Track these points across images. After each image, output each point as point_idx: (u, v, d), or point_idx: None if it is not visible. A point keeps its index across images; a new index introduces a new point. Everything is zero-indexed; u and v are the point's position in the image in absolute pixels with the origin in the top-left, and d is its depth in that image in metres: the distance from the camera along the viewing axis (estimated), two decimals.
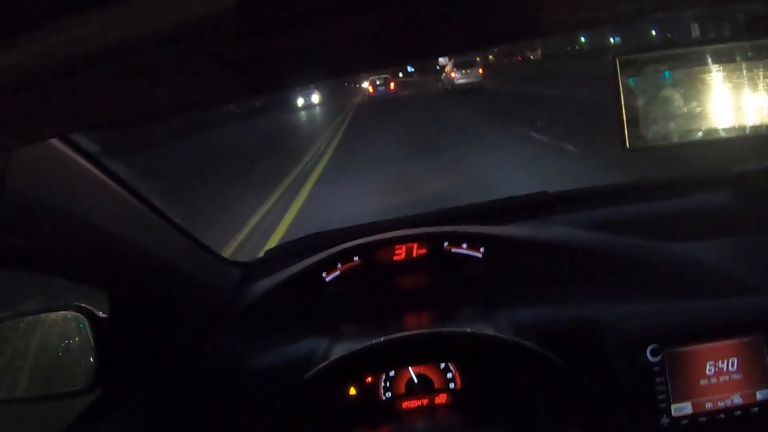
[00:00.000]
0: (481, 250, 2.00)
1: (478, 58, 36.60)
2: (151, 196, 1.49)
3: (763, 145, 1.24)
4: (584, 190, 2.40)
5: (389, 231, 2.06)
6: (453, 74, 34.90)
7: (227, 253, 7.69)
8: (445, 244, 2.02)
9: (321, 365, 1.41)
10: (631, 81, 1.01)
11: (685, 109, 1.02)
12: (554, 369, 1.37)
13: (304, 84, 0.87)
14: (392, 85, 48.01)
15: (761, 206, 1.92)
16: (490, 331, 1.65)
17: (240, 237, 9.16)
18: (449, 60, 36.32)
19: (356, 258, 2.01)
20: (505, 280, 1.99)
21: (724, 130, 1.05)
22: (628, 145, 1.01)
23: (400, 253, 2.03)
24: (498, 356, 1.49)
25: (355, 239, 2.04)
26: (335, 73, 0.78)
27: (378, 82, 47.59)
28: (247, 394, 1.69)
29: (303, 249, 2.16)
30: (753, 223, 1.92)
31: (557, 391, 1.40)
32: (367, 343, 1.46)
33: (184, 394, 1.69)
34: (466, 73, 34.24)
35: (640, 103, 1.01)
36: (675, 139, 1.03)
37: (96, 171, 1.27)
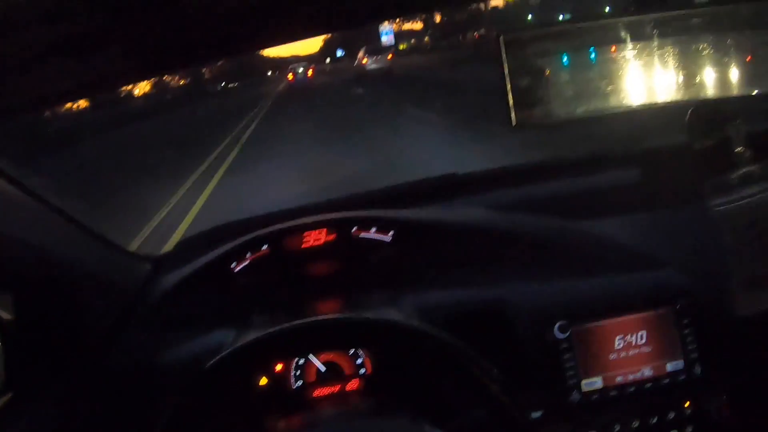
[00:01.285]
0: (390, 233, 1.99)
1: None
2: (49, 194, 1.46)
3: (673, 121, 1.27)
4: (493, 171, 2.40)
5: (299, 218, 2.04)
6: (365, 60, 37.42)
7: (136, 246, 7.62)
8: (354, 229, 2.00)
9: (221, 354, 1.40)
10: (516, 59, 1.02)
11: (571, 86, 1.04)
12: (456, 352, 1.38)
13: (210, 60, 0.85)
14: (310, 72, 50.08)
15: (669, 181, 1.96)
16: (395, 317, 1.65)
17: (148, 230, 9.05)
18: (362, 48, 39.40)
19: (265, 246, 1.98)
20: (414, 263, 1.98)
21: (610, 107, 1.07)
22: (514, 122, 1.02)
23: (309, 240, 2.00)
24: (402, 342, 1.49)
25: (264, 227, 2.01)
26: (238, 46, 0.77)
27: (298, 70, 49.13)
28: (158, 389, 1.66)
29: (213, 240, 2.11)
30: (661, 198, 1.95)
31: (460, 375, 1.41)
32: (269, 331, 1.45)
33: (96, 391, 1.66)
34: (377, 60, 37.01)
35: (526, 80, 1.03)
36: (561, 115, 1.05)
37: None
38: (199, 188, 11.99)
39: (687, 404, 1.70)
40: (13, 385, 1.48)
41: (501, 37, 1.01)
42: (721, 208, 1.19)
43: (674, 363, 1.70)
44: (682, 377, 1.70)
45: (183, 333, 1.83)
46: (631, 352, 1.69)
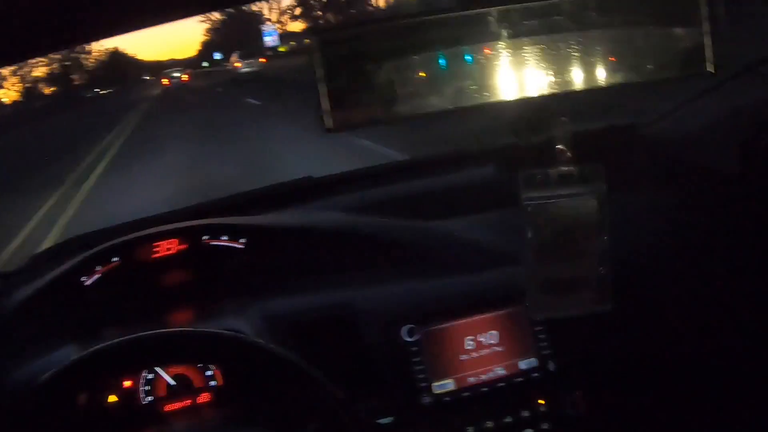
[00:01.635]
0: (242, 241, 1.95)
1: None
2: None
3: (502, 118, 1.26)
4: (348, 173, 2.40)
5: (151, 227, 1.98)
6: (237, 64, 39.36)
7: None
8: (205, 237, 1.96)
9: (55, 369, 1.32)
10: (331, 59, 0.98)
11: (388, 87, 1.01)
12: (284, 363, 1.35)
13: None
14: (185, 77, 53.20)
15: (507, 179, 1.97)
16: (242, 327, 1.62)
17: (14, 245, 8.74)
18: (234, 53, 41.94)
19: (116, 258, 1.91)
20: (266, 270, 1.95)
21: (435, 106, 1.05)
22: (332, 125, 0.99)
23: (160, 250, 1.95)
24: (242, 354, 1.45)
25: (114, 239, 1.93)
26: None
27: (173, 75, 52.30)
28: (6, 411, 1.58)
29: (65, 253, 2.03)
30: (503, 197, 1.96)
31: (300, 387, 1.37)
32: (106, 343, 1.38)
33: None
34: (250, 63, 38.56)
35: (341, 82, 0.99)
36: (380, 117, 1.02)
37: None
38: (70, 198, 11.69)
39: (542, 401, 1.71)
40: None
41: (315, 37, 0.97)
42: (531, 203, 1.19)
43: (527, 361, 1.71)
44: (536, 374, 1.71)
45: (29, 353, 1.73)
46: (482, 352, 1.69)
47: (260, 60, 40.36)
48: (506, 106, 1.09)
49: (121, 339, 1.36)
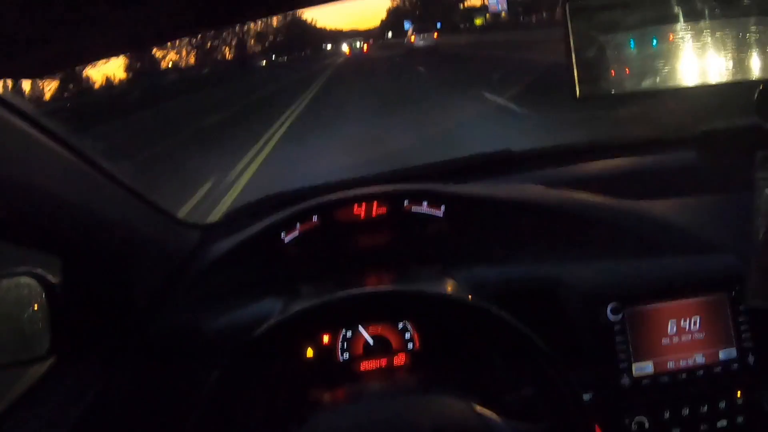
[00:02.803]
0: (442, 208, 1.96)
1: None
2: (101, 158, 1.45)
3: (730, 103, 1.21)
4: (548, 148, 2.36)
5: (350, 190, 2.02)
6: (413, 38, 42.75)
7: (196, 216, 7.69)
8: (406, 202, 1.97)
9: (270, 323, 1.37)
10: (582, 28, 0.97)
11: (639, 58, 0.99)
12: (508, 330, 1.34)
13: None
14: (365, 46, 58.45)
15: (726, 165, 1.89)
16: (445, 292, 1.62)
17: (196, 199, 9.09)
18: (410, 27, 45.60)
19: (315, 217, 1.96)
20: (465, 239, 1.94)
21: (678, 83, 1.01)
22: (578, 94, 0.97)
23: (360, 212, 1.98)
24: (454, 316, 1.46)
25: (315, 199, 1.99)
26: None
27: (355, 45, 52.84)
28: (202, 357, 1.66)
29: (262, 209, 2.11)
30: (717, 182, 1.89)
31: (513, 351, 1.36)
32: (319, 301, 1.43)
33: (139, 357, 1.65)
34: (424, 37, 41.81)
35: (591, 51, 0.97)
36: (627, 88, 1.00)
37: (39, 134, 1.22)
38: (252, 159, 12.07)
39: (739, 394, 1.65)
40: (57, 349, 1.48)
41: (566, 5, 0.96)
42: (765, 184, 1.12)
43: (727, 351, 1.64)
44: (735, 366, 1.64)
45: (231, 302, 1.82)
46: (683, 338, 1.64)
47: (433, 35, 42.61)
48: (746, 86, 1.04)
49: (337, 295, 1.40)
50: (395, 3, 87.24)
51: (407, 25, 52.81)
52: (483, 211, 1.96)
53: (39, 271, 1.50)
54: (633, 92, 1.00)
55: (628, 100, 0.98)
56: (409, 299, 1.46)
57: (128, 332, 1.65)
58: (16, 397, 1.44)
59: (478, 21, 57.01)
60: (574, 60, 0.96)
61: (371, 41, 60.64)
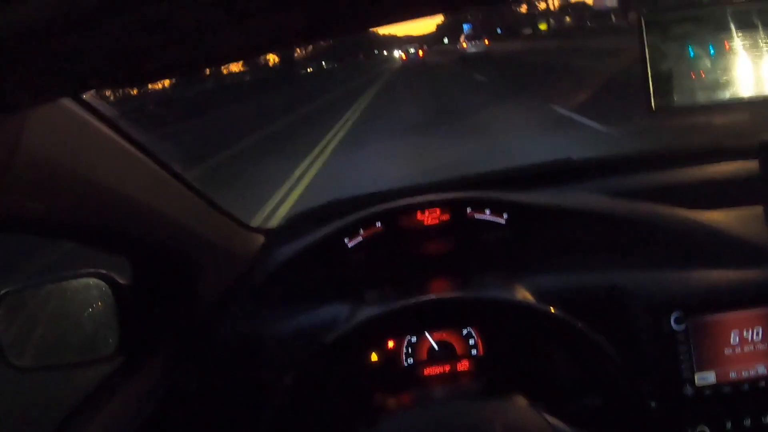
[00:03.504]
0: (504, 216, 1.95)
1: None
2: (171, 161, 1.47)
3: None
4: (609, 157, 2.34)
5: (412, 197, 2.02)
6: (465, 45, 46.05)
7: (258, 221, 7.77)
8: (468, 210, 1.97)
9: (341, 330, 1.38)
10: (657, 41, 0.96)
11: (713, 71, 0.98)
12: (576, 336, 1.33)
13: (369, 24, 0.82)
14: (421, 52, 59.14)
15: None
16: (513, 298, 1.61)
17: (270, 205, 9.18)
18: (462, 34, 48.70)
19: (379, 224, 1.97)
20: (528, 246, 1.94)
21: (751, 94, 1.00)
22: (653, 106, 0.97)
23: (423, 219, 1.98)
24: (520, 323, 1.45)
25: (377, 205, 2.00)
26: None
27: (410, 50, 59.32)
28: (268, 361, 1.67)
29: (325, 215, 2.11)
30: None
31: (579, 359, 1.36)
32: (389, 307, 1.43)
33: (205, 360, 1.67)
34: (475, 44, 44.84)
35: (666, 63, 0.96)
36: (701, 100, 0.99)
37: (115, 135, 1.24)
38: (310, 164, 12.19)
39: None
40: (125, 350, 1.51)
41: (642, 18, 0.96)
42: None
43: None
44: None
45: (296, 306, 1.83)
46: (746, 348, 1.61)
47: (485, 42, 45.15)
48: None
49: (407, 302, 1.40)
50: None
51: (466, 28, 53.45)
52: (545, 219, 1.95)
53: (107, 272, 1.53)
54: (707, 104, 0.99)
55: (700, 112, 0.97)
56: (476, 305, 1.46)
57: (195, 335, 1.67)
58: (85, 396, 1.46)
59: (543, 26, 56.97)
60: (649, 73, 0.95)
61: (425, 47, 62.14)
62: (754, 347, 1.61)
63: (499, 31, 53.94)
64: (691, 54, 0.97)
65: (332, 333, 1.37)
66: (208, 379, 1.65)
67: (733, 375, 1.61)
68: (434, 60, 54.30)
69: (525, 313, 1.41)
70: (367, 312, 1.46)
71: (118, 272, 1.54)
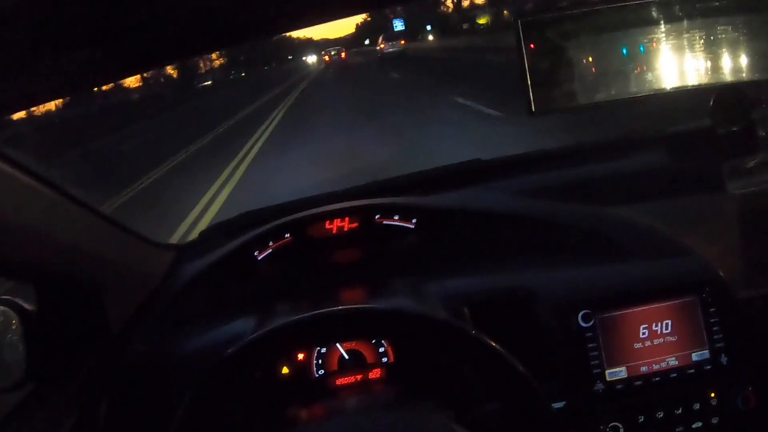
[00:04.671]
0: (413, 221, 1.96)
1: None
2: (71, 186, 1.44)
3: (698, 105, 1.22)
4: (518, 156, 2.36)
5: (322, 206, 2.00)
6: (383, 45, 47.41)
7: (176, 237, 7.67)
8: (377, 216, 1.97)
9: (241, 342, 1.37)
10: (535, 43, 0.97)
11: (591, 70, 0.99)
12: (477, 344, 1.35)
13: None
14: (343, 54, 62.51)
15: (695, 166, 1.90)
16: (418, 305, 1.62)
17: (189, 220, 9.06)
18: (380, 36, 50.42)
19: (288, 235, 1.95)
20: (437, 250, 1.94)
21: (629, 93, 1.02)
22: (533, 109, 0.98)
23: (332, 228, 1.98)
24: (426, 332, 1.46)
25: (287, 215, 1.98)
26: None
27: (332, 53, 63.22)
28: (178, 377, 1.64)
29: (236, 228, 2.09)
30: (687, 184, 1.89)
31: (478, 365, 1.37)
32: (290, 319, 1.42)
33: (117, 381, 1.64)
34: (393, 44, 46.51)
35: (544, 65, 0.98)
36: (582, 101, 1.00)
37: (5, 165, 1.21)
38: (230, 175, 12.09)
39: (712, 395, 1.66)
40: (34, 376, 1.47)
41: (519, 21, 0.97)
42: (737, 192, 1.14)
43: (700, 352, 1.65)
44: (708, 367, 1.65)
45: (205, 322, 1.80)
46: (655, 341, 1.65)
47: (401, 42, 47.27)
48: (704, 91, 1.06)
49: (309, 314, 1.39)
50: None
51: (398, 25, 54.77)
52: (454, 222, 1.96)
53: (11, 298, 1.49)
54: (587, 105, 1.00)
55: (579, 113, 0.99)
56: (382, 316, 1.46)
57: (105, 357, 1.64)
58: None
59: (482, 20, 57.20)
60: (528, 76, 0.97)
61: (345, 50, 64.52)
62: (664, 340, 1.64)
63: (428, 27, 54.85)
64: (570, 56, 0.99)
65: (233, 346, 1.36)
66: (120, 401, 1.62)
67: (644, 369, 1.64)
68: (356, 61, 56.55)
69: (426, 322, 1.41)
70: (270, 325, 1.45)
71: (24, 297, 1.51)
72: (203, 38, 0.69)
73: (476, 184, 2.13)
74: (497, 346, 1.30)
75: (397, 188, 2.15)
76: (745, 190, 1.13)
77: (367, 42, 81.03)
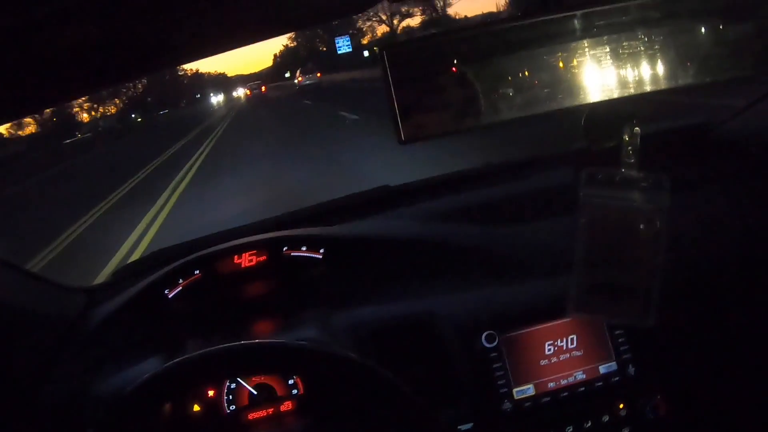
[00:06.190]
0: (321, 251, 1.96)
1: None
2: None
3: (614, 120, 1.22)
4: (425, 180, 2.38)
5: (231, 240, 2.00)
6: (300, 78, 52.04)
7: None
8: (285, 248, 1.96)
9: (140, 379, 1.33)
10: (400, 72, 0.96)
11: (459, 97, 0.99)
12: (368, 373, 1.34)
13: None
14: (264, 88, 66.42)
15: (568, 185, 1.93)
16: (324, 337, 1.62)
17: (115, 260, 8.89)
18: (298, 70, 55.51)
19: (197, 271, 1.93)
20: (345, 279, 1.95)
21: (504, 116, 1.02)
22: (403, 137, 0.97)
23: (240, 262, 1.96)
24: (328, 364, 1.44)
25: (195, 253, 1.96)
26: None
27: (253, 87, 66.78)
28: (88, 421, 1.60)
29: (147, 267, 2.06)
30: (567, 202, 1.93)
31: (380, 394, 1.36)
32: (192, 355, 1.39)
33: (28, 426, 1.60)
34: (310, 77, 50.93)
35: (411, 94, 0.97)
36: (450, 127, 1.00)
37: None
38: (157, 212, 12.04)
39: (621, 406, 1.67)
40: None
41: (384, 51, 0.96)
42: (588, 199, 1.14)
43: (607, 365, 1.67)
44: (616, 379, 1.67)
45: (116, 363, 1.76)
46: (562, 357, 1.66)
47: (317, 75, 51.39)
48: (576, 110, 1.06)
49: (203, 351, 1.37)
50: (290, 44, 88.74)
51: (344, 46, 57.52)
52: (360, 251, 1.98)
53: None
54: (455, 131, 1.00)
55: (448, 138, 0.99)
56: (287, 352, 1.44)
57: (16, 402, 1.59)
58: None
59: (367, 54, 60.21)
60: (396, 105, 0.96)
61: (263, 85, 67.69)
62: (570, 355, 1.66)
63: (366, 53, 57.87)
64: (437, 82, 0.99)
65: (130, 386, 1.32)
66: None
67: (551, 385, 1.65)
68: (275, 94, 59.48)
69: (325, 357, 1.41)
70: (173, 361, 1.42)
71: None
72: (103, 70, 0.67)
73: (384, 211, 2.14)
74: (391, 377, 1.30)
75: (306, 218, 2.17)
76: (594, 199, 1.13)
77: (287, 75, 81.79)
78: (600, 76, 1.03)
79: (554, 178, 2.12)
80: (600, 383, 1.67)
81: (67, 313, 1.89)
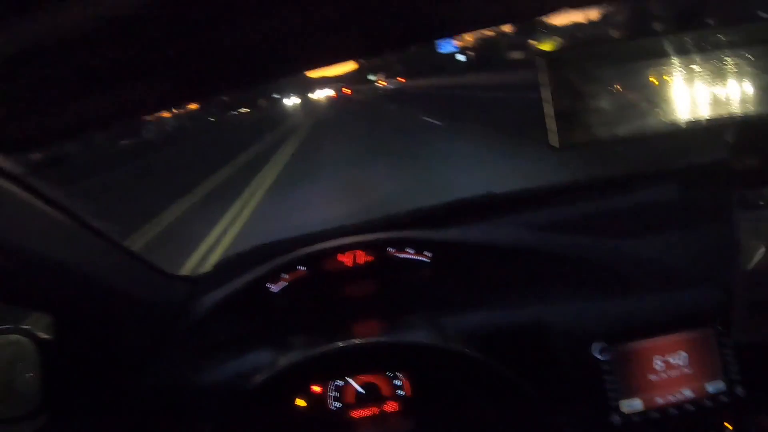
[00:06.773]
0: (427, 254, 1.95)
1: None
2: (89, 217, 1.43)
3: (709, 137, 1.21)
4: (530, 190, 2.35)
5: (336, 239, 2.00)
6: (382, 82, 54.08)
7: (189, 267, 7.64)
8: (390, 250, 1.96)
9: (263, 376, 1.36)
10: (558, 78, 0.97)
11: (616, 106, 0.99)
12: (495, 375, 1.34)
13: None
14: (348, 90, 69.46)
15: (705, 198, 1.90)
16: (435, 339, 1.61)
17: (201, 251, 8.99)
18: (381, 73, 59.76)
19: (302, 267, 1.94)
20: (452, 284, 1.93)
21: (656, 126, 1.02)
22: (558, 144, 0.97)
23: (346, 261, 1.97)
24: (441, 364, 1.45)
25: (302, 248, 1.97)
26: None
27: (341, 90, 71.07)
28: (193, 411, 1.63)
29: (251, 261, 2.07)
30: (697, 216, 1.90)
31: (499, 396, 1.36)
32: (309, 354, 1.41)
33: (132, 412, 1.63)
34: (392, 81, 52.64)
35: (567, 100, 0.97)
36: (605, 136, 1.00)
37: (26, 193, 1.20)
38: (242, 208, 12.06)
39: (729, 425, 1.65)
40: (50, 406, 1.46)
41: (544, 56, 0.97)
42: (747, 223, 1.12)
43: (715, 384, 1.64)
44: (724, 398, 1.64)
45: (220, 354, 1.79)
46: (671, 373, 1.64)
47: (399, 79, 53.31)
48: (722, 124, 1.05)
49: (325, 348, 1.39)
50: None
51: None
52: (467, 256, 1.95)
53: (27, 327, 1.48)
54: (611, 139, 1.00)
55: (604, 147, 0.99)
56: (395, 350, 1.45)
57: (120, 388, 1.62)
58: None
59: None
60: (553, 110, 0.96)
61: (342, 88, 71.02)
62: (680, 372, 1.63)
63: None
64: (594, 90, 0.99)
65: (251, 381, 1.35)
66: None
67: (659, 400, 1.63)
68: (359, 97, 60.50)
69: (442, 355, 1.41)
70: (288, 358, 1.44)
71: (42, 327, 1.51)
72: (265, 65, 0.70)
73: (489, 218, 2.12)
74: (512, 375, 1.30)
75: (411, 221, 2.14)
76: (754, 222, 1.11)
77: (371, 77, 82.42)
78: (751, 89, 1.02)
79: (661, 193, 2.09)
80: (708, 401, 1.64)
81: (172, 301, 1.91)
